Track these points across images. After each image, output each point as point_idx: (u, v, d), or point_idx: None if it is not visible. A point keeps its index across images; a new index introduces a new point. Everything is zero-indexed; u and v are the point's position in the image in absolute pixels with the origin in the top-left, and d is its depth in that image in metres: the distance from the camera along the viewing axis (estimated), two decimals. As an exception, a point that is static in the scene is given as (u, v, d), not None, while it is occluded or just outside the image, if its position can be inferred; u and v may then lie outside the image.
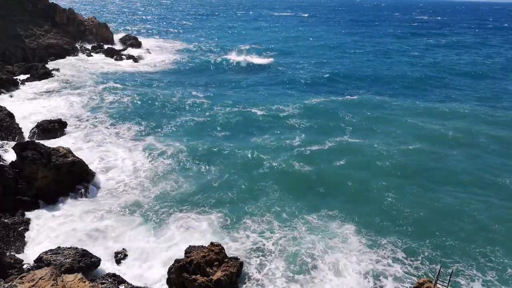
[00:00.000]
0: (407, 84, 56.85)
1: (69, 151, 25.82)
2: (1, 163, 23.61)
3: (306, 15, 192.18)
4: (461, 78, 62.49)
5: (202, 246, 18.67)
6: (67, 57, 64.68)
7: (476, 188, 27.49)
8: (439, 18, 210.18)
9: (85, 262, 18.18)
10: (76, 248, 18.86)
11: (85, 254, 18.58)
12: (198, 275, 17.00)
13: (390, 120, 40.48)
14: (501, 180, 28.66)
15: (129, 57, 69.16)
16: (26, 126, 33.53)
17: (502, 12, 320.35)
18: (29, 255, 19.03)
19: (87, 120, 37.30)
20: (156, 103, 43.97)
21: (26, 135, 32.35)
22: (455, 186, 27.57)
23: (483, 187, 27.72)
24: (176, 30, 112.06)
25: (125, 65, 64.04)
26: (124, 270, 18.78)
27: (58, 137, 32.49)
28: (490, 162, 31.77)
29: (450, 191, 26.87)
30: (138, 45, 78.95)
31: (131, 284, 17.60)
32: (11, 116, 33.17)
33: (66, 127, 34.39)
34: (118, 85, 50.20)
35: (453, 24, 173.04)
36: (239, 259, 18.65)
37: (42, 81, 49.41)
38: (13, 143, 27.86)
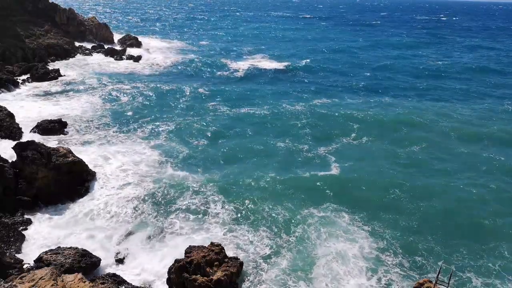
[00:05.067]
0: (416, 88, 55.93)
1: (69, 151, 25.83)
2: (1, 163, 23.56)
3: (307, 16, 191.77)
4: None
5: (202, 246, 18.67)
6: (67, 57, 64.70)
7: (479, 187, 27.53)
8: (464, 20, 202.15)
9: (85, 262, 18.19)
10: (76, 248, 18.87)
11: (85, 254, 18.59)
12: (198, 275, 17.00)
13: (395, 120, 40.65)
14: (504, 177, 28.90)
15: (129, 57, 69.15)
16: (26, 126, 33.53)
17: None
18: (29, 255, 19.02)
19: (87, 120, 37.27)
20: (156, 103, 43.96)
21: (26, 135, 32.32)
22: (457, 185, 27.63)
23: (485, 185, 27.82)
24: (176, 31, 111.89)
25: (125, 65, 64.01)
26: (124, 270, 18.77)
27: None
28: (493, 159, 32.01)
29: (451, 190, 26.95)
30: (138, 45, 78.86)
31: (131, 284, 17.61)
32: (11, 116, 33.15)
33: (66, 127, 34.41)
34: (118, 85, 50.20)
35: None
36: (239, 259, 18.65)
37: (42, 81, 49.43)
38: (13, 143, 27.82)
